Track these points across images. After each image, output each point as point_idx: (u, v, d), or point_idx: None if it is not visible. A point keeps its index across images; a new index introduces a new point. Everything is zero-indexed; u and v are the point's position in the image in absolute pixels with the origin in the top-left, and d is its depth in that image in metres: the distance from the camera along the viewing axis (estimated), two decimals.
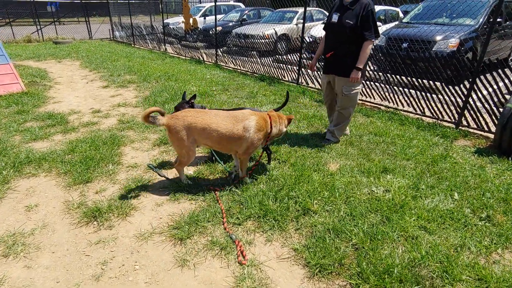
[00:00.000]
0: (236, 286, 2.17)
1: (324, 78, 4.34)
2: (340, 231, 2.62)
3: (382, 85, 6.06)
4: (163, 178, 3.49)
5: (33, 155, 3.90)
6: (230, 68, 9.55)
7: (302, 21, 7.69)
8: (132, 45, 14.82)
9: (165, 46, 12.97)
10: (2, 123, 4.95)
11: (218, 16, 10.56)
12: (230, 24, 13.74)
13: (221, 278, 2.25)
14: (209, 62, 10.43)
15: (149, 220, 2.84)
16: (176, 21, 15.80)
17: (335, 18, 3.89)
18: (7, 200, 3.12)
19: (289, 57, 7.92)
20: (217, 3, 10.18)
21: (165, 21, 13.39)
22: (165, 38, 13.11)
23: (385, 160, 3.85)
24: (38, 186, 3.34)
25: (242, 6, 16.96)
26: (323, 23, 10.52)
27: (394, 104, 5.92)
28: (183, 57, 11.42)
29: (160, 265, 2.38)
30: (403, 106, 5.80)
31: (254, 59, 8.80)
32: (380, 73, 6.03)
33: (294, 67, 7.80)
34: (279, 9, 12.84)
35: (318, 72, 7.09)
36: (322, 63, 4.57)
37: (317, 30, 9.92)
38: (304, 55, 7.60)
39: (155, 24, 14.99)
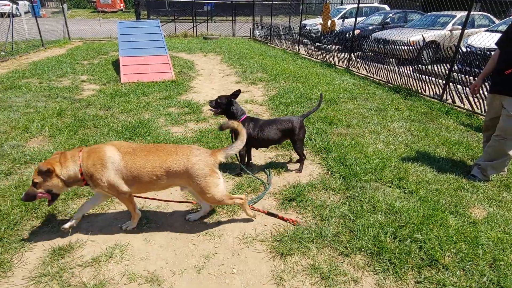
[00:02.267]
0: None
1: (492, 98, 3.51)
2: None
3: None
4: (278, 184, 3.44)
5: (170, 138, 4.41)
6: (362, 75, 8.95)
7: (459, 27, 6.53)
8: (268, 44, 15.58)
9: (298, 47, 13.14)
10: (153, 106, 5.82)
11: (358, 19, 9.99)
12: (370, 27, 12.91)
13: None
14: (340, 66, 10.03)
15: (254, 225, 2.82)
16: (314, 23, 15.82)
17: None
18: None
19: (435, 68, 6.86)
20: (360, 5, 9.62)
21: (302, 22, 13.56)
22: (300, 39, 13.27)
23: None
24: None
25: (387, 8, 15.71)
26: (487, 30, 8.77)
27: None
28: (314, 59, 11.32)
29: (257, 275, 2.30)
30: None
31: (391, 67, 7.99)
32: None
33: (440, 81, 6.72)
34: (431, 13, 11.33)
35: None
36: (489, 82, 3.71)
37: (477, 39, 8.31)
38: (456, 67, 6.45)
39: (292, 24, 15.37)
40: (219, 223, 2.84)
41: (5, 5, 19.09)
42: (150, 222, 2.84)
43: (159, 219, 2.88)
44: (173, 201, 3.11)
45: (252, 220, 2.87)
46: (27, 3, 20.50)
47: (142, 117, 5.23)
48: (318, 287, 2.20)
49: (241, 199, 2.73)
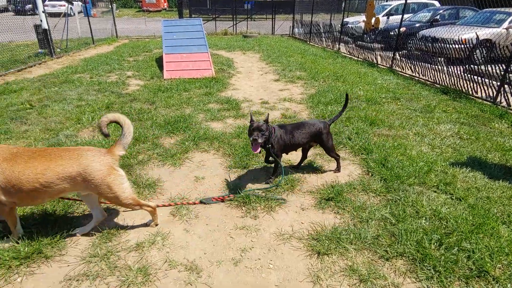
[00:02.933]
0: None
1: None
2: None
3: None
4: (315, 183, 3.41)
5: (209, 133, 4.52)
6: (406, 75, 8.57)
7: None
8: (308, 42, 15.39)
9: (339, 45, 12.85)
10: (194, 101, 5.99)
11: (405, 16, 9.57)
12: (417, 25, 12.30)
13: None
14: (383, 66, 9.67)
15: (291, 222, 2.81)
16: (356, 20, 15.37)
17: None
18: (184, 167, 3.71)
19: (489, 68, 6.39)
20: (407, 1, 9.20)
21: (344, 19, 13.21)
22: (341, 37, 12.96)
23: None
24: (207, 162, 3.84)
25: (437, 4, 14.86)
26: None
27: None
28: (355, 58, 11.01)
29: (293, 272, 2.30)
30: None
31: (439, 67, 7.56)
32: None
33: (494, 82, 6.25)
34: (486, 9, 10.57)
35: None
36: None
37: None
38: None
39: (333, 22, 15.05)
40: (256, 218, 2.87)
41: (61, 5, 20.59)
42: (190, 213, 2.93)
43: (198, 210, 2.97)
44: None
45: (289, 218, 2.86)
46: (80, 3, 21.93)
47: (183, 112, 5.40)
48: None
49: (151, 207, 2.63)
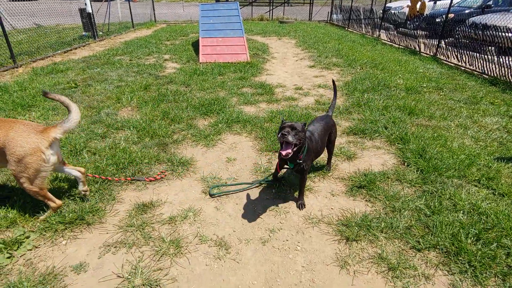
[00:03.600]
0: None
1: None
2: None
3: None
4: (347, 170, 3.36)
5: (242, 116, 4.55)
6: (452, 64, 8.06)
7: None
8: (346, 28, 14.86)
9: (379, 31, 12.30)
10: (228, 85, 6.04)
11: (454, 1, 8.95)
12: (467, 11, 11.46)
13: None
14: (426, 54, 9.15)
15: (320, 207, 2.79)
16: (400, 5, 14.61)
17: None
18: (216, 148, 3.79)
19: None
20: None
21: (387, 5, 12.58)
22: (382, 23, 12.38)
23: None
24: (239, 144, 3.89)
25: None
26: None
27: None
28: (396, 45, 10.51)
29: (320, 256, 2.30)
30: None
31: (489, 57, 7.03)
32: None
33: None
34: None
35: None
36: None
37: None
38: None
39: (374, 7, 14.38)
40: (285, 200, 2.89)
41: None
42: (220, 191, 3.00)
43: (229, 190, 3.03)
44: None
45: (319, 203, 2.85)
46: None
47: (217, 95, 5.47)
48: (384, 276, 2.12)
49: (55, 203, 2.50)
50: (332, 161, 3.40)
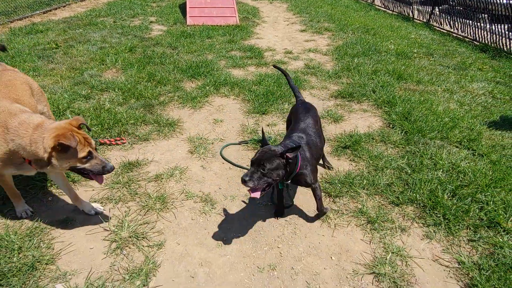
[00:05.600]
0: (372, 265, 1.94)
1: None
2: None
3: None
4: (333, 131, 3.38)
5: (230, 79, 4.48)
6: (444, 31, 7.97)
7: None
8: None
9: None
10: (216, 48, 5.88)
11: None
12: None
13: (359, 250, 2.06)
14: (419, 20, 9.00)
15: None
16: None
17: None
18: (203, 110, 3.76)
19: None
20: None
21: None
22: None
23: None
24: (227, 106, 3.86)
25: None
26: None
27: None
28: (390, 12, 10.28)
29: (303, 211, 2.37)
30: None
31: (482, 24, 6.95)
32: None
33: None
34: None
35: None
36: None
37: None
38: None
39: None
40: None
41: None
42: (207, 152, 3.01)
43: (215, 150, 3.04)
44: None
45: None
46: None
47: (205, 58, 5.33)
48: (363, 229, 2.21)
49: None
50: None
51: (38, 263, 1.86)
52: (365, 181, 2.59)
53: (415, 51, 6.13)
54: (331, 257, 2.02)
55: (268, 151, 1.86)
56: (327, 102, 4.04)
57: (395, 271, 1.90)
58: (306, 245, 2.10)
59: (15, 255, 1.88)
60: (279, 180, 1.90)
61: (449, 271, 1.93)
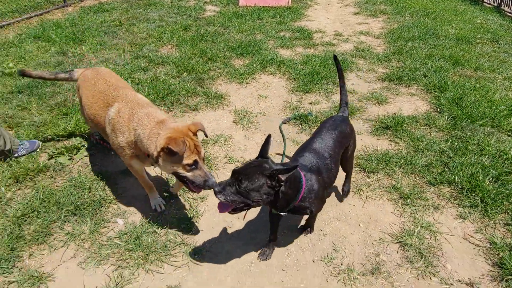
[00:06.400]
0: (400, 236, 2.01)
1: None
2: None
3: None
4: (376, 113, 3.38)
5: (277, 58, 4.59)
6: None
7: None
8: None
9: None
10: (266, 29, 5.98)
11: None
12: None
13: (388, 221, 2.13)
14: (489, 4, 8.25)
15: None
16: None
17: None
18: (249, 86, 3.94)
19: None
20: None
21: None
22: None
23: None
24: (272, 83, 4.00)
25: None
26: None
27: None
28: None
29: (336, 182, 2.47)
30: None
31: None
32: None
33: None
34: None
35: None
36: None
37: None
38: None
39: None
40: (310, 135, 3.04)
41: None
42: (251, 123, 3.20)
43: (258, 123, 3.22)
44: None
45: None
46: None
47: (255, 38, 5.47)
48: (394, 203, 2.27)
49: None
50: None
51: (103, 201, 2.21)
52: (402, 161, 2.61)
53: (479, 36, 5.71)
54: (359, 225, 2.12)
55: (254, 165, 1.50)
56: (373, 85, 3.99)
57: (422, 243, 1.96)
58: (336, 212, 2.22)
59: (86, 193, 2.25)
60: (261, 204, 1.55)
61: (479, 249, 1.94)
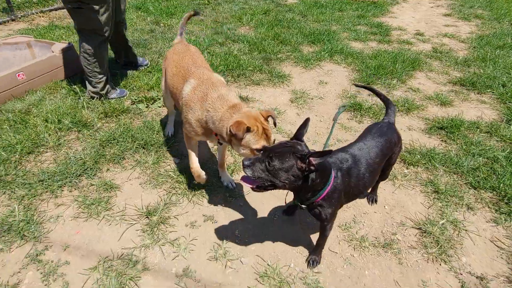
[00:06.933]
0: (423, 223, 2.07)
1: None
2: None
3: None
4: (435, 113, 3.32)
5: (346, 49, 4.65)
6: None
7: None
8: None
9: None
10: (344, 21, 5.99)
11: None
12: None
13: (414, 210, 2.20)
14: None
15: None
16: None
17: None
18: (313, 71, 4.11)
19: None
20: None
21: None
22: None
23: None
24: (335, 71, 4.11)
25: None
26: None
27: None
28: None
29: None
30: None
31: None
32: None
33: None
34: None
35: None
36: None
37: None
38: None
39: None
40: (360, 123, 3.13)
41: None
42: (305, 104, 3.40)
43: (312, 105, 3.40)
44: None
45: None
46: None
47: (330, 28, 5.55)
48: (426, 196, 2.30)
49: None
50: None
51: (166, 144, 2.65)
52: (448, 160, 2.58)
53: None
54: (385, 206, 2.23)
55: (287, 146, 1.48)
56: (442, 87, 3.85)
57: (443, 234, 2.00)
58: None
59: (155, 134, 2.73)
60: (287, 187, 1.52)
61: (502, 252, 1.92)
